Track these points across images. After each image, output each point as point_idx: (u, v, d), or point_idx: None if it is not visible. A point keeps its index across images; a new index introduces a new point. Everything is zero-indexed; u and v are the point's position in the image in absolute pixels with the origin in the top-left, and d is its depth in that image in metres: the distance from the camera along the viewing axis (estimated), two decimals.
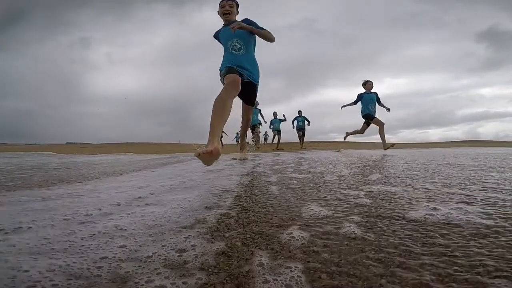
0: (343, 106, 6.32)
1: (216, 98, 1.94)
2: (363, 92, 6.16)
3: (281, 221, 0.89)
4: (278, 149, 10.31)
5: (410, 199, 1.21)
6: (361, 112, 6.17)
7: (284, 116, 10.96)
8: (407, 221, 0.89)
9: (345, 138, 6.70)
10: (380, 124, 5.99)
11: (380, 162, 3.44)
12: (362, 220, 0.91)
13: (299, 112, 11.27)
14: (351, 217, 0.94)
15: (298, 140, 11.42)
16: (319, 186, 1.57)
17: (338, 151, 7.89)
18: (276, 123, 10.96)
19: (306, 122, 11.13)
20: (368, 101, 6.04)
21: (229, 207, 1.08)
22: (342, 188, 1.49)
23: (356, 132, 6.42)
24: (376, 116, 6.13)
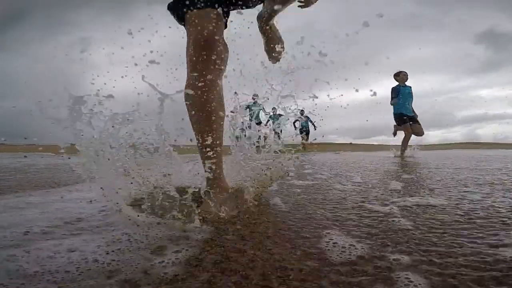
0: (393, 102, 4.63)
1: (185, 93, 0.89)
2: (397, 85, 4.58)
3: (293, 275, 0.50)
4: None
5: (470, 219, 0.82)
6: (395, 110, 4.59)
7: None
8: (506, 270, 0.49)
9: (395, 134, 5.02)
10: (408, 133, 4.48)
11: (391, 166, 3.11)
12: (421, 262, 0.53)
13: (301, 111, 10.51)
14: (399, 257, 0.56)
15: (301, 142, 10.58)
16: (334, 199, 1.18)
17: (338, 153, 7.42)
18: (276, 120, 9.96)
19: (310, 123, 9.78)
20: (406, 96, 4.50)
21: (205, 240, 0.67)
22: (365, 202, 1.11)
23: (406, 139, 4.65)
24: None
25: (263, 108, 7.83)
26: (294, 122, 10.51)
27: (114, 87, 0.96)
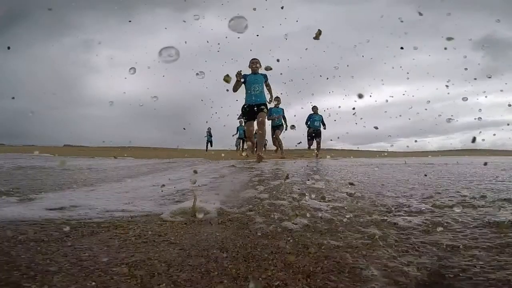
0: None
1: None
2: None
3: None
4: (278, 156, 6.86)
5: None
6: None
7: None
8: None
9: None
10: None
11: (434, 179, 2.17)
12: None
13: (314, 108, 7.79)
14: None
15: (307, 146, 8.05)
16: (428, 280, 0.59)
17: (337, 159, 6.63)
18: (276, 114, 7.05)
19: (321, 124, 7.93)
20: None
21: None
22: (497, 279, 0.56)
23: None
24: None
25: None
26: (307, 120, 8.24)
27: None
